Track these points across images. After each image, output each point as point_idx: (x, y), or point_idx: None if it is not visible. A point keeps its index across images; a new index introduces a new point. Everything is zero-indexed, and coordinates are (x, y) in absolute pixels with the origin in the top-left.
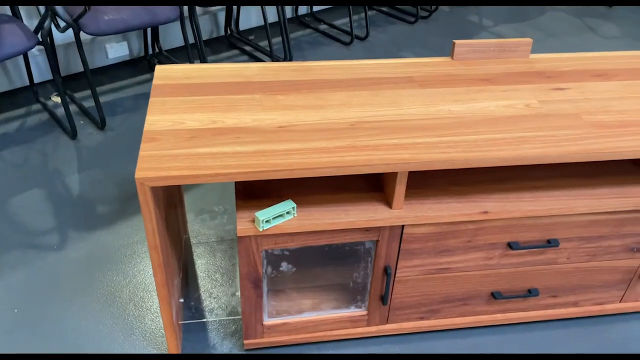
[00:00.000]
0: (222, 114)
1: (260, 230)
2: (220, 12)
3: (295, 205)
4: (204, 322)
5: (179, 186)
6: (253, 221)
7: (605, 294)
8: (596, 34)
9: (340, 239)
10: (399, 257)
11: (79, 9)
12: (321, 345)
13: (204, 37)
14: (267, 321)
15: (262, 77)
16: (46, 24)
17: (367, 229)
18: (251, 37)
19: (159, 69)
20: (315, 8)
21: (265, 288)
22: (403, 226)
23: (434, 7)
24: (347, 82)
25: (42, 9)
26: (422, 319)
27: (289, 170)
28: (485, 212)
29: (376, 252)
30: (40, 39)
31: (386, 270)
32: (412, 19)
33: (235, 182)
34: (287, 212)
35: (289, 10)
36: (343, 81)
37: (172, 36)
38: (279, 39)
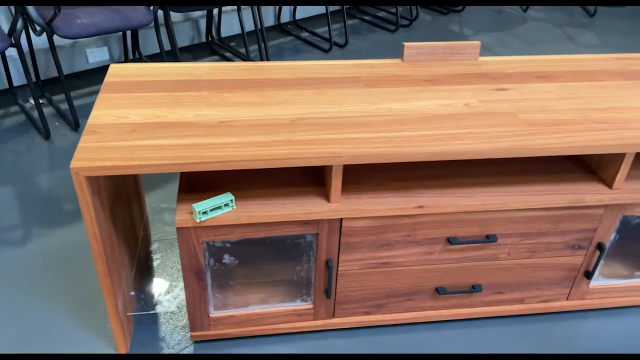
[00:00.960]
0: (166, 109)
1: (198, 221)
2: (201, 18)
3: (233, 197)
4: (156, 314)
5: (135, 183)
6: (192, 213)
7: (551, 291)
8: (575, 43)
9: (279, 232)
10: (340, 251)
11: (52, 12)
12: (268, 339)
13: (186, 43)
14: (214, 314)
15: (213, 75)
16: (18, 26)
17: (305, 222)
18: (232, 44)
19: (113, 67)
20: (298, 16)
21: (209, 280)
22: (341, 220)
23: (414, 16)
24: (295, 81)
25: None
26: (368, 313)
27: (221, 163)
28: (421, 207)
29: (317, 245)
30: (14, 42)
31: (327, 264)
32: (393, 28)
33: (180, 177)
34: (225, 205)
35: (272, 18)
36: (291, 80)
37: (153, 42)
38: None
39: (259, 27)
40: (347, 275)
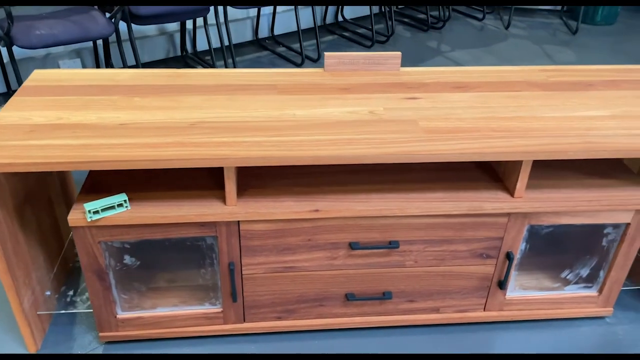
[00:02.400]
0: (71, 112)
1: (88, 220)
2: (176, 32)
3: (126, 198)
4: (75, 314)
5: (62, 185)
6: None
7: (466, 301)
8: (552, 60)
9: (176, 234)
10: (241, 254)
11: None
12: (178, 342)
13: (161, 56)
14: (121, 315)
15: (132, 81)
16: None
17: (202, 224)
18: (207, 58)
19: (37, 72)
20: (277, 32)
21: (112, 281)
22: (239, 222)
23: (391, 32)
24: (211, 87)
25: None
26: (279, 318)
27: (108, 162)
28: (316, 210)
29: (219, 248)
30: None
31: (230, 267)
32: (369, 43)
33: (86, 178)
34: (119, 205)
35: (250, 34)
36: (208, 87)
37: (127, 53)
38: (238, 59)
39: (227, 42)
40: (253, 279)
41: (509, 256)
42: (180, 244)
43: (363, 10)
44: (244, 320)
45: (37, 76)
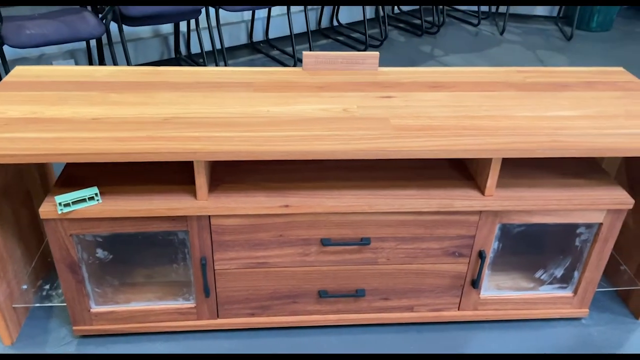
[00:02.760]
0: (47, 106)
1: (59, 213)
2: (170, 35)
3: (97, 191)
4: (52, 307)
5: (42, 179)
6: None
7: (440, 300)
8: (543, 65)
9: (147, 227)
10: (213, 249)
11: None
12: (152, 336)
13: (155, 58)
14: (94, 308)
15: (110, 78)
16: None
17: (173, 218)
18: (200, 60)
19: (18, 69)
20: (271, 35)
21: (85, 274)
22: (210, 217)
23: (384, 36)
24: (188, 84)
25: None
26: (253, 315)
27: (76, 155)
28: (287, 206)
29: (190, 243)
30: None
31: (201, 262)
32: (362, 47)
33: (62, 171)
34: (90, 198)
35: (245, 37)
36: (185, 84)
37: (120, 54)
38: (232, 61)
39: (220, 45)
40: (226, 274)
41: (481, 255)
42: (153, 238)
43: (358, 15)
44: (218, 316)
45: (18, 72)
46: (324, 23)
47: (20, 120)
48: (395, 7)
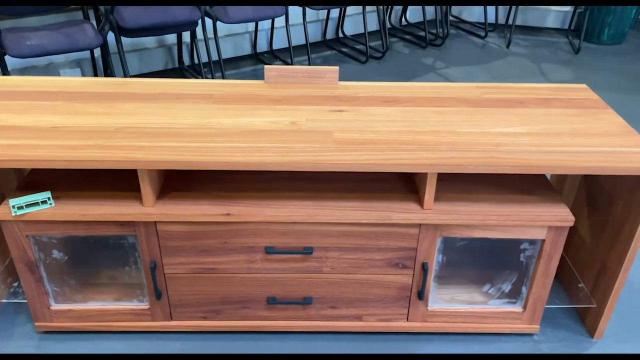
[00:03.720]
0: (11, 115)
1: (13, 215)
2: (173, 45)
3: (50, 195)
4: (19, 303)
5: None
6: None
7: (388, 310)
8: (547, 79)
9: (98, 231)
10: (162, 254)
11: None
12: (110, 335)
13: (159, 67)
14: (54, 306)
15: (80, 88)
16: None
17: (121, 223)
18: (205, 70)
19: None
20: (275, 46)
21: (43, 273)
22: (156, 223)
23: (385, 48)
24: (152, 96)
25: None
26: (205, 318)
27: (27, 161)
28: (228, 214)
29: (140, 247)
30: None
31: (151, 265)
32: (364, 59)
33: (26, 176)
34: (43, 202)
35: (249, 47)
36: (149, 95)
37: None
38: (231, 72)
39: (217, 57)
40: (176, 278)
41: (424, 267)
42: (106, 241)
43: (363, 27)
44: (171, 319)
45: None
46: (330, 34)
47: None
48: (403, 19)
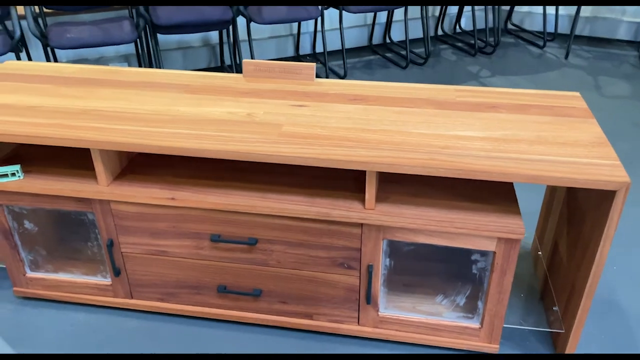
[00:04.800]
0: None
1: None
2: (217, 44)
3: (19, 168)
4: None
5: None
6: None
7: (338, 311)
8: (599, 93)
9: (60, 205)
10: (117, 233)
11: (55, 27)
12: (77, 306)
13: (203, 65)
14: (29, 274)
15: (74, 74)
16: (16, 36)
17: (78, 199)
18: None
19: (8, 62)
20: (319, 49)
21: (18, 242)
22: (110, 202)
23: (428, 54)
24: (133, 83)
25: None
26: (162, 300)
27: None
28: (173, 199)
29: (98, 224)
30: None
31: (107, 243)
32: (404, 64)
33: (11, 150)
34: (12, 174)
35: (291, 49)
36: (132, 83)
37: (164, 60)
38: None
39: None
40: (132, 258)
41: (369, 269)
42: (69, 216)
43: (411, 33)
44: (132, 297)
45: (5, 65)
46: (377, 39)
47: None
48: (457, 26)
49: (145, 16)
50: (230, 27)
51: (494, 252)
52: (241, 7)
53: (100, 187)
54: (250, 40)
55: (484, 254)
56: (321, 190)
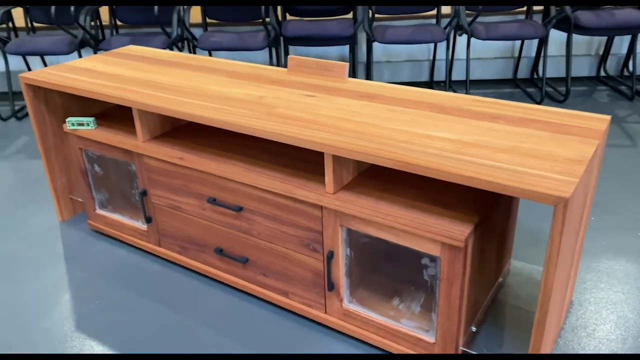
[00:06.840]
0: (104, 65)
1: (68, 128)
2: (423, 62)
3: (93, 120)
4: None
5: None
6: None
7: (308, 294)
8: None
9: (114, 154)
10: (148, 184)
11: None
12: (124, 245)
13: (405, 79)
14: (98, 211)
15: (168, 58)
16: (174, 36)
17: (124, 151)
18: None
19: (129, 47)
20: (457, 77)
21: (91, 182)
22: (143, 156)
23: (567, 92)
24: (197, 67)
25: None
26: (180, 252)
27: (75, 89)
28: (181, 159)
29: (138, 175)
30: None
31: (141, 192)
32: (538, 99)
33: (107, 110)
34: (87, 124)
35: (427, 74)
36: (197, 67)
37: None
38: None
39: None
40: (160, 209)
41: (330, 255)
42: (123, 166)
43: (555, 72)
44: (160, 245)
45: (127, 49)
46: (523, 74)
47: (82, 70)
48: (625, 69)
49: (276, 28)
50: (354, 45)
51: (440, 258)
52: (366, 26)
53: (137, 142)
54: (369, 57)
55: (432, 259)
56: (299, 171)
